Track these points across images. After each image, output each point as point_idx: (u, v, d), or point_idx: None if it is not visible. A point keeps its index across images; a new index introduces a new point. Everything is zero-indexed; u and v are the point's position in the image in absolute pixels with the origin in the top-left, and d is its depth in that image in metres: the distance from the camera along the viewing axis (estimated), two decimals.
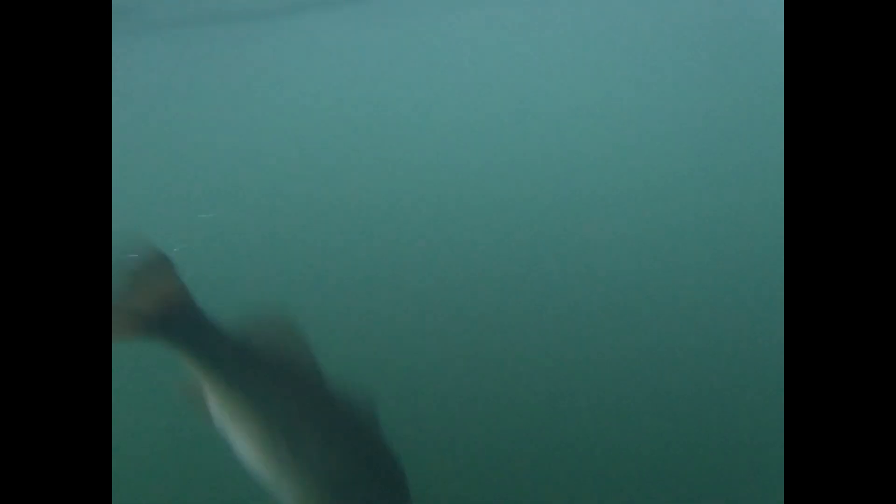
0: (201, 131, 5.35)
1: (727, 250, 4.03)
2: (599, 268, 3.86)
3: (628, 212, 4.27)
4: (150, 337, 1.98)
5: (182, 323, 1.92)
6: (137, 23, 7.11)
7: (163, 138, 5.30)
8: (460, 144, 4.89)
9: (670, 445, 3.10)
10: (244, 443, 1.79)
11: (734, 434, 3.13)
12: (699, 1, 6.64)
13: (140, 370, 3.15)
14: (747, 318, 3.64)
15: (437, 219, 4.17)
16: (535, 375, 3.29)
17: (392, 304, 3.62)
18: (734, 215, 4.24)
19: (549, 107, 5.14)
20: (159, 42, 7.09)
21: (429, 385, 2.92)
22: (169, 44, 7.03)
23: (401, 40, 6.39)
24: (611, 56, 5.79)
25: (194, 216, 4.21)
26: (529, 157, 4.70)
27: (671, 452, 3.07)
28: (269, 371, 1.84)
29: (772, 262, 3.84)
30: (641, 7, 6.48)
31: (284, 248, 4.01)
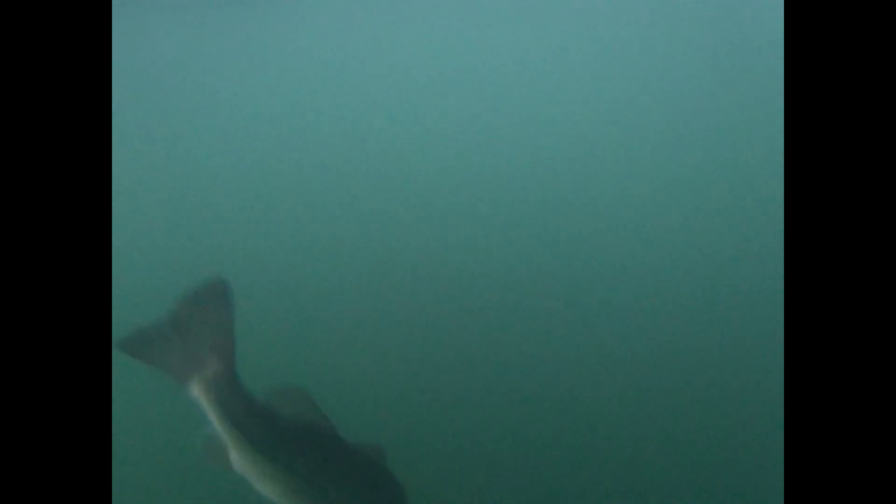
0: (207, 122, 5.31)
1: (725, 251, 4.03)
2: (593, 268, 3.86)
3: (625, 209, 4.27)
4: (184, 389, 2.14)
5: (217, 385, 2.07)
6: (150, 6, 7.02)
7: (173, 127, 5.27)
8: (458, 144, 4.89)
9: (671, 447, 3.10)
10: (265, 486, 2.02)
11: (734, 436, 3.13)
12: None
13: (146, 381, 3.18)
14: (747, 318, 3.63)
15: (433, 219, 4.18)
16: (536, 380, 3.30)
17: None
18: (733, 217, 4.22)
19: (540, 104, 5.12)
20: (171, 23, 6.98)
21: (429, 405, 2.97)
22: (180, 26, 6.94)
23: (401, 27, 6.33)
24: (607, 50, 5.78)
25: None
26: (523, 154, 4.69)
27: (672, 454, 3.07)
28: (287, 431, 2.03)
29: (772, 262, 3.84)
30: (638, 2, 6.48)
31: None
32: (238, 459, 2.00)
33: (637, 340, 3.48)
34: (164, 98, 5.35)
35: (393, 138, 4.86)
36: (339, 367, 3.06)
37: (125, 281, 3.33)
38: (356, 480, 2.02)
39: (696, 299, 3.73)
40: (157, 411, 3.06)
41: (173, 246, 3.83)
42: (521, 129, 4.83)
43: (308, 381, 2.17)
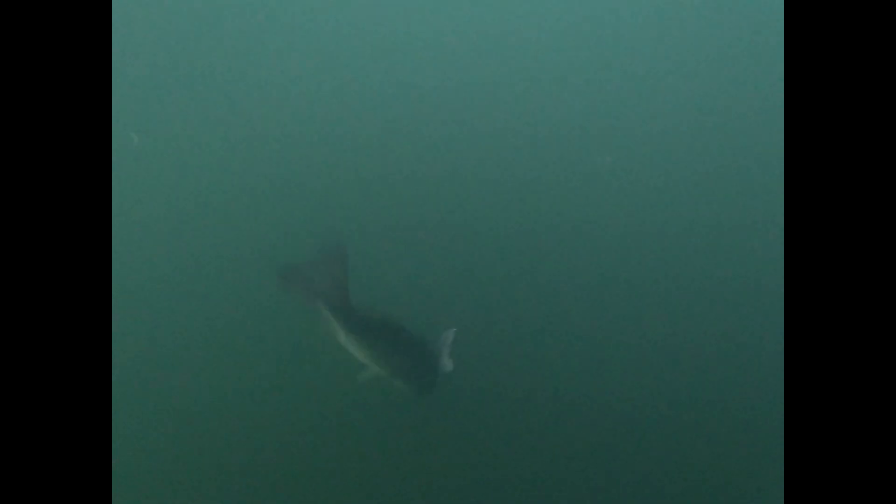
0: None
1: (725, 250, 4.03)
2: (587, 263, 3.87)
3: (622, 207, 4.26)
4: (314, 305, 3.30)
5: (336, 300, 3.27)
6: None
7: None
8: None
9: (671, 447, 3.12)
10: (357, 351, 3.24)
11: (734, 436, 3.14)
12: None
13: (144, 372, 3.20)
14: (748, 318, 3.63)
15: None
16: (533, 376, 3.33)
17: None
18: (733, 217, 4.22)
19: (536, 102, 5.09)
20: None
21: None
22: None
23: None
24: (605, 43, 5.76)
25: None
26: (520, 153, 4.67)
27: (672, 453, 3.08)
28: (375, 325, 3.24)
29: (772, 258, 3.84)
30: None
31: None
32: (342, 339, 3.26)
33: (638, 342, 3.50)
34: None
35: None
36: None
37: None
38: (412, 356, 3.22)
39: (696, 299, 3.74)
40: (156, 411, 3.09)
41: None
42: (518, 127, 4.83)
43: None
